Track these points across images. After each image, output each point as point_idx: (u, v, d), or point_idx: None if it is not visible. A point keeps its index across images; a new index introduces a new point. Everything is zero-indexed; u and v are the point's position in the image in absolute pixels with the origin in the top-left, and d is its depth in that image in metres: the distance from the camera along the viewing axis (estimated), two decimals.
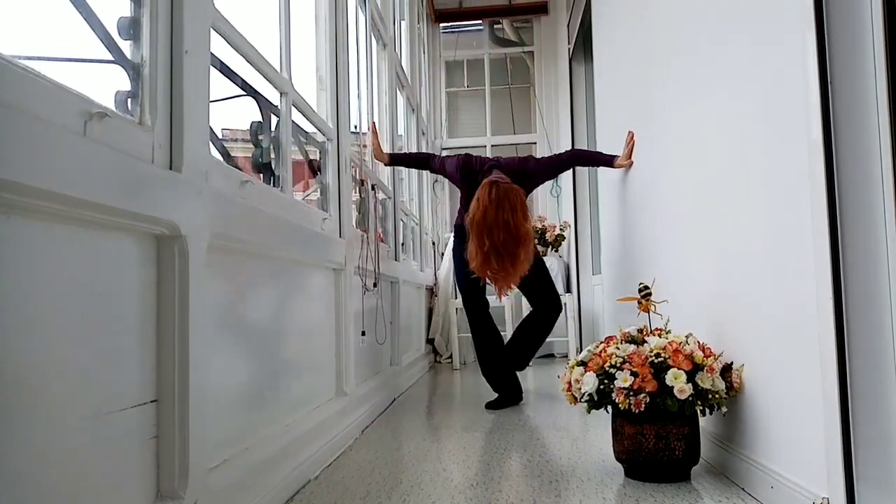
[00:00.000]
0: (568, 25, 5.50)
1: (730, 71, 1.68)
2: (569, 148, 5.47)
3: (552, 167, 3.25)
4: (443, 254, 5.61)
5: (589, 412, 1.78)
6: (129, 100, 1.21)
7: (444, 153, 6.53)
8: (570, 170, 5.14)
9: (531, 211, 3.36)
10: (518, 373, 3.30)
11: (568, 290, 5.29)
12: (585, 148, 4.62)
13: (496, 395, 3.14)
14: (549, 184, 6.06)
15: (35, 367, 0.89)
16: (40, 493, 0.89)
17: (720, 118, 1.76)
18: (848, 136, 1.20)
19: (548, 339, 5.09)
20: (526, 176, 3.06)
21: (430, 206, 5.75)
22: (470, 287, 3.16)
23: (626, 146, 2.95)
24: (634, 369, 1.67)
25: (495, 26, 6.68)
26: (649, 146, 2.59)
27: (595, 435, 2.33)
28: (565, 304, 4.72)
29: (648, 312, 1.88)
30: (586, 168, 5.33)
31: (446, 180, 6.52)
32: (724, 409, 1.68)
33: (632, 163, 2.94)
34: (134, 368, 1.11)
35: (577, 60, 5.49)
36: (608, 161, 3.12)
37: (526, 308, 3.55)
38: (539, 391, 3.57)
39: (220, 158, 1.62)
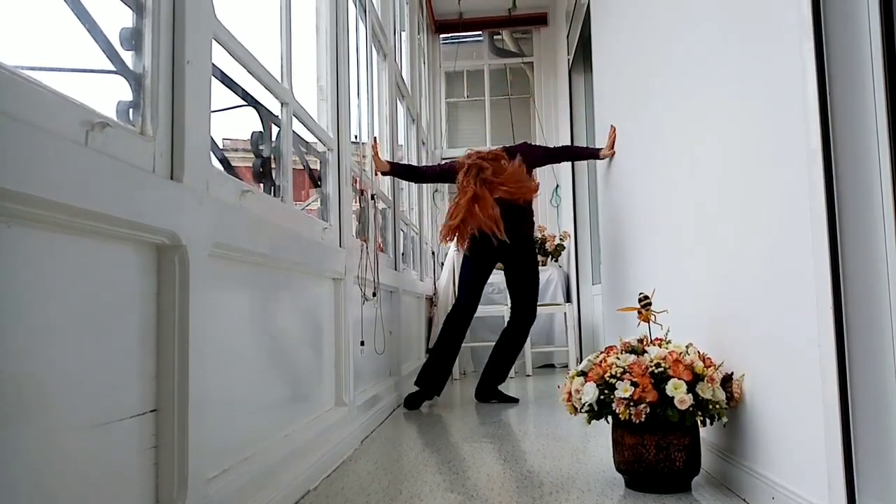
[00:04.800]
0: (567, 37, 5.52)
1: (728, 82, 1.69)
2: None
3: (545, 153, 3.69)
4: (442, 263, 5.61)
5: (589, 422, 1.77)
6: (131, 110, 1.21)
7: (444, 163, 6.54)
8: (567, 163, 5.36)
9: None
10: (511, 381, 3.68)
11: (568, 299, 5.29)
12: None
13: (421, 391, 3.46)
14: (548, 193, 6.07)
15: (34, 376, 0.89)
16: (38, 503, 0.89)
17: (720, 128, 1.76)
18: (847, 144, 1.20)
19: (548, 350, 5.14)
20: (534, 159, 3.52)
21: (430, 216, 5.76)
22: (470, 286, 3.58)
23: (609, 138, 3.34)
24: (635, 379, 1.67)
25: (495, 37, 6.72)
26: (648, 156, 2.59)
27: (595, 445, 2.32)
28: (565, 313, 4.74)
29: (648, 322, 1.88)
30: (587, 176, 5.34)
31: (445, 189, 6.56)
32: (724, 420, 1.67)
33: (614, 153, 3.33)
34: (133, 378, 1.11)
35: (576, 71, 5.52)
36: (594, 153, 3.52)
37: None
38: (539, 401, 3.56)
39: (221, 168, 1.63)
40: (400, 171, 3.68)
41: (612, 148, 3.32)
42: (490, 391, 3.57)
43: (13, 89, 0.88)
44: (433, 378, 3.46)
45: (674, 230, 2.22)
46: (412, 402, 3.41)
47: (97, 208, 0.97)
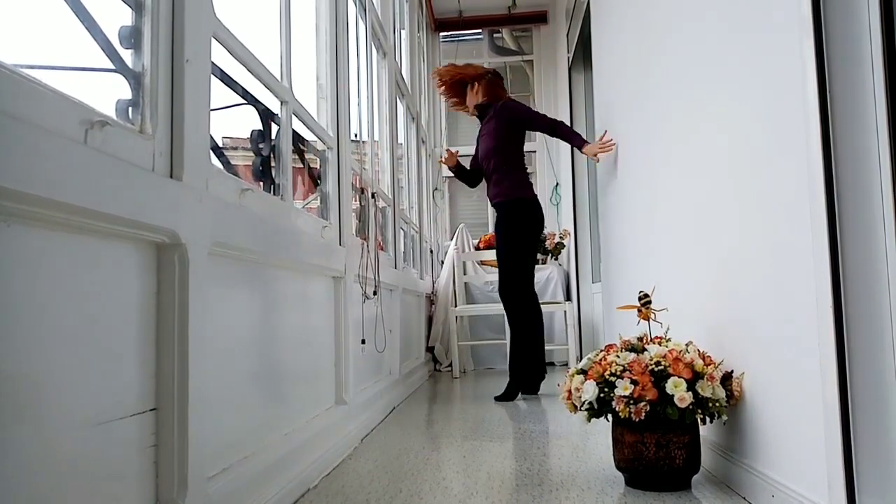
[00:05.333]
0: (567, 34, 5.52)
1: (728, 80, 1.68)
2: (569, 156, 5.49)
3: (531, 114, 3.66)
4: (442, 262, 5.61)
5: (589, 421, 1.77)
6: (130, 108, 1.21)
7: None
8: (567, 162, 5.39)
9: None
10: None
11: (568, 297, 5.29)
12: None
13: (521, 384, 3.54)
14: (548, 191, 6.07)
15: (33, 375, 0.89)
16: (37, 502, 0.89)
17: (719, 127, 1.76)
18: (847, 144, 1.20)
19: (548, 348, 5.12)
20: (512, 115, 3.58)
21: (430, 215, 5.76)
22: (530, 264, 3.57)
23: (600, 140, 3.27)
24: (634, 378, 1.67)
25: (495, 35, 6.71)
26: (648, 155, 2.59)
27: (595, 443, 2.32)
28: (565, 311, 4.74)
29: (648, 320, 1.88)
30: (586, 174, 5.34)
31: (445, 188, 6.56)
32: (724, 418, 1.67)
33: (598, 159, 3.34)
34: (133, 377, 1.11)
35: (576, 69, 5.51)
36: (580, 144, 3.45)
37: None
38: (539, 399, 3.56)
39: (221, 166, 1.63)
40: (460, 172, 3.89)
41: (597, 153, 3.27)
42: (525, 385, 3.56)
43: (12, 88, 0.88)
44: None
45: (674, 229, 2.22)
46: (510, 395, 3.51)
47: (96, 207, 0.97)
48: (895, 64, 1.17)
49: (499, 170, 3.56)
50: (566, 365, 4.74)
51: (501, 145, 3.55)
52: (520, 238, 3.52)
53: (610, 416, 1.75)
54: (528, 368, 3.53)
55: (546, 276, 5.26)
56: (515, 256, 3.50)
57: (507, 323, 3.64)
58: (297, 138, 2.22)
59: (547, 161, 5.98)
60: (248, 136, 1.95)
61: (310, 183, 2.59)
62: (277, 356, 1.81)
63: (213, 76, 1.45)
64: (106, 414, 1.03)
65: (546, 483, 1.82)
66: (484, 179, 3.76)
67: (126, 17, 1.22)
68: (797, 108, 1.29)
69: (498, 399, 3.47)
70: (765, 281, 1.50)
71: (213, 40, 1.49)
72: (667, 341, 1.80)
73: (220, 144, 1.83)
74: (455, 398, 3.79)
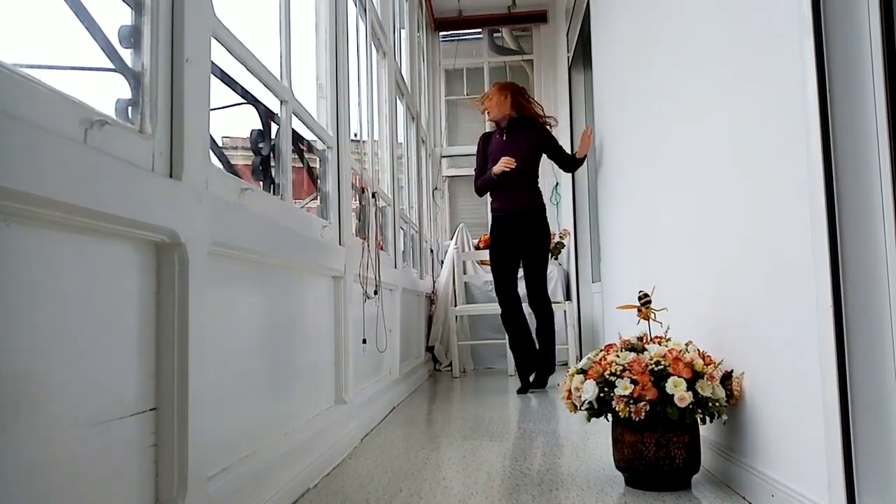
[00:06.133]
0: (567, 34, 5.51)
1: (728, 81, 1.68)
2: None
3: (557, 147, 3.99)
4: (442, 262, 5.61)
5: (589, 420, 1.77)
6: (130, 108, 1.21)
7: (444, 161, 6.56)
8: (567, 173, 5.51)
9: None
10: (511, 378, 3.95)
11: (568, 297, 5.29)
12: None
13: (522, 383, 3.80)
14: (548, 191, 6.06)
15: (32, 375, 0.88)
16: (37, 502, 0.89)
17: (720, 127, 1.76)
18: (847, 144, 1.20)
19: None
20: (546, 139, 3.94)
21: (430, 215, 5.75)
22: (504, 276, 3.83)
23: (582, 140, 3.88)
24: (634, 377, 1.67)
25: (495, 35, 6.71)
26: (648, 155, 2.59)
27: (595, 443, 2.32)
28: (565, 311, 4.74)
29: (648, 320, 1.88)
30: (586, 174, 5.34)
31: (445, 187, 6.56)
32: (724, 418, 1.67)
33: (586, 155, 3.93)
34: (133, 376, 1.11)
35: (576, 69, 5.51)
36: (574, 155, 4.02)
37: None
38: (539, 399, 3.56)
39: (221, 166, 1.63)
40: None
41: (585, 151, 3.84)
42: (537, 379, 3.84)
43: (12, 87, 0.87)
44: (524, 365, 3.83)
45: (674, 228, 2.22)
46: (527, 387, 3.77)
47: (96, 206, 0.97)
48: (895, 64, 1.17)
49: (530, 180, 3.90)
50: (566, 365, 4.74)
51: (533, 158, 3.90)
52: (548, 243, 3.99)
53: (610, 416, 1.75)
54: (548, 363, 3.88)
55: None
56: (546, 261, 3.96)
57: (525, 324, 3.90)
58: (296, 138, 2.22)
59: (546, 160, 5.96)
60: (248, 135, 1.95)
61: (309, 182, 2.59)
62: (277, 356, 1.81)
63: (213, 76, 1.45)
64: (106, 413, 1.03)
65: (546, 483, 1.82)
66: (493, 187, 3.91)
67: (126, 16, 1.22)
68: (797, 108, 1.29)
69: (529, 389, 3.76)
70: (765, 281, 1.50)
71: (213, 40, 1.49)
72: (667, 341, 1.80)
73: (220, 144, 1.83)
74: (455, 398, 3.79)
